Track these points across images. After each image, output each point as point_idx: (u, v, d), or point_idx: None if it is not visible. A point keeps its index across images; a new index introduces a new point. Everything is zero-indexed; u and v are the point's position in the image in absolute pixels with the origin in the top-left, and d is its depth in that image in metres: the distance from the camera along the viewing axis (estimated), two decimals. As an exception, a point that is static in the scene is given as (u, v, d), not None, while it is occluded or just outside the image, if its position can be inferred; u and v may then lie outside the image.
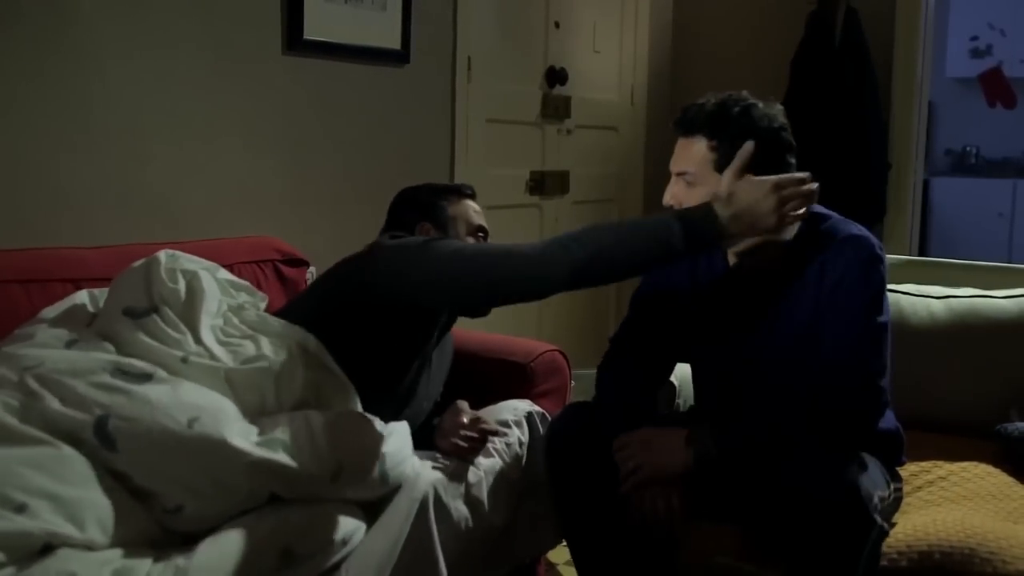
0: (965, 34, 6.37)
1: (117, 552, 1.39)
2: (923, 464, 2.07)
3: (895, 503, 1.83)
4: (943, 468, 2.06)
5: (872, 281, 1.74)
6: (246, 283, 1.95)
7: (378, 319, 1.79)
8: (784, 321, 1.78)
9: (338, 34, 2.83)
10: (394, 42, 3.02)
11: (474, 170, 3.39)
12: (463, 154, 3.35)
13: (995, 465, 2.08)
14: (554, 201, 3.92)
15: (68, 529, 1.37)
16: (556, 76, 3.82)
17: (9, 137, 2.15)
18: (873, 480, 1.66)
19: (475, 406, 1.98)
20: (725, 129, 1.72)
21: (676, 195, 1.77)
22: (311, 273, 2.38)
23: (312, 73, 2.79)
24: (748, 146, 1.68)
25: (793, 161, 1.78)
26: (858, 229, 1.80)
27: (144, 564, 1.39)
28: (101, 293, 1.86)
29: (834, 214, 1.84)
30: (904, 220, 4.12)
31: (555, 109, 3.85)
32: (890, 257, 3.12)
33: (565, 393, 2.20)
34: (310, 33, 2.74)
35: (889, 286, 2.40)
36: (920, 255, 4.37)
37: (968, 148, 6.59)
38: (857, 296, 1.72)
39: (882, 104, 3.99)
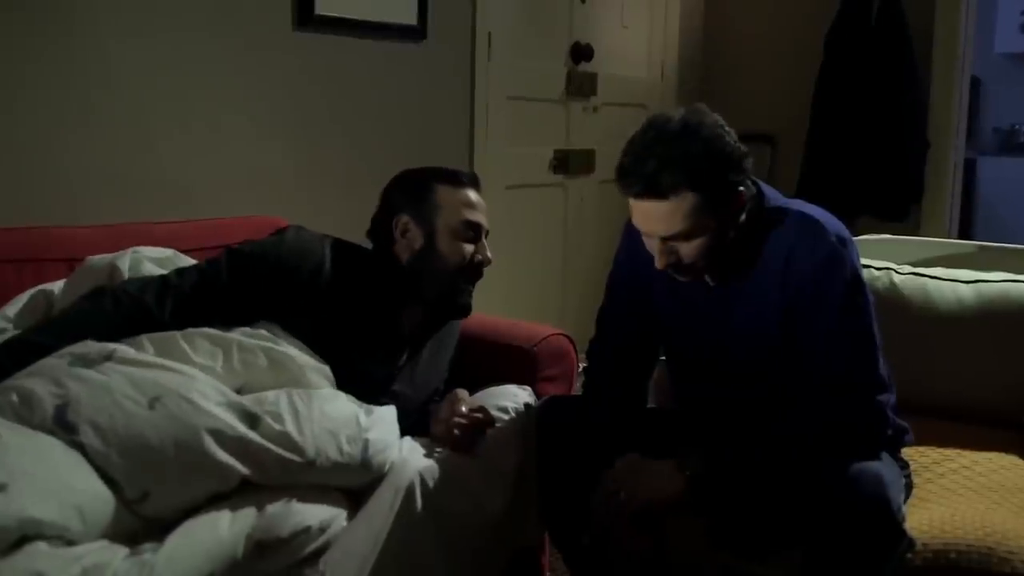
0: (1015, 8, 6.16)
1: (89, 547, 1.36)
2: (946, 452, 2.00)
3: (906, 490, 1.77)
4: (966, 457, 1.99)
5: (840, 277, 1.59)
6: None
7: None
8: (754, 324, 1.68)
9: (351, 9, 2.78)
10: (410, 17, 2.97)
11: (494, 149, 3.34)
12: (482, 133, 3.30)
13: (1022, 457, 2.00)
14: (579, 180, 3.86)
15: (49, 513, 1.33)
16: (581, 52, 3.75)
17: (11, 117, 2.13)
18: (894, 483, 1.58)
19: (475, 392, 1.92)
20: (706, 173, 1.54)
21: (674, 253, 1.61)
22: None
23: (324, 50, 2.75)
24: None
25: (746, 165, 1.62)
26: (817, 212, 1.65)
27: (114, 561, 1.35)
28: (56, 286, 1.85)
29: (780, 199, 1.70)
30: (942, 202, 3.98)
31: (580, 86, 3.78)
32: (920, 240, 3.02)
33: (572, 379, 2.12)
34: (322, 8, 2.70)
35: (917, 270, 2.32)
36: (963, 238, 4.21)
37: (1017, 126, 6.38)
38: (827, 301, 1.59)
39: (921, 81, 3.85)
